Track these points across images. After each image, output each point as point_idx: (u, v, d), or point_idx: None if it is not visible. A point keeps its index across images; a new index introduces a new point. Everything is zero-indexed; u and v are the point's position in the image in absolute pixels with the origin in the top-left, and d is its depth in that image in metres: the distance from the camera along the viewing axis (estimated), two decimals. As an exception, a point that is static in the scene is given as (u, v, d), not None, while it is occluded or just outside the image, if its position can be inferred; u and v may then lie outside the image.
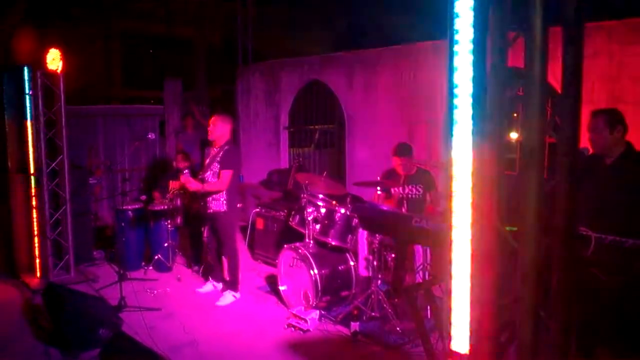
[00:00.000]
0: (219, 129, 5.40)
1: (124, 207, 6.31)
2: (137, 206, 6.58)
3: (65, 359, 4.26)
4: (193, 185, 5.33)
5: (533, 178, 2.06)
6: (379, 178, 5.42)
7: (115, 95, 14.79)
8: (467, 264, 2.19)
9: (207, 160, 5.49)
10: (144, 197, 7.07)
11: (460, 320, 2.23)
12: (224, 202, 5.34)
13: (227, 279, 5.58)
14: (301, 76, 9.05)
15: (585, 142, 3.51)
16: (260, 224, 6.82)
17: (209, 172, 5.38)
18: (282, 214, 6.47)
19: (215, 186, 5.29)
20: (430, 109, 6.92)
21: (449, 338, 2.28)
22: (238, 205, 5.74)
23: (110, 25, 14.10)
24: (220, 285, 5.72)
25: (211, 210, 5.38)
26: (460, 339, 2.24)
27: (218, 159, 5.35)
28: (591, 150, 3.61)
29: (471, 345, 2.22)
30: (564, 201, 2.14)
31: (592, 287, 3.42)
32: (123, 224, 6.18)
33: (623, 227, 3.05)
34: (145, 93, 13.99)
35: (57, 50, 5.92)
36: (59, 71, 5.99)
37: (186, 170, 5.45)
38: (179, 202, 6.16)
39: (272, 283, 5.87)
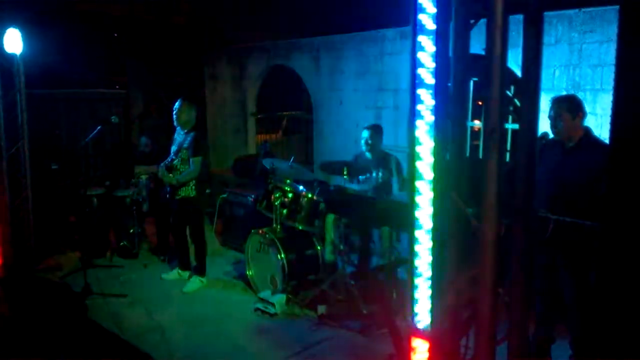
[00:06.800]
0: (185, 114, 5.34)
1: (87, 193, 6.18)
2: (101, 192, 6.46)
3: (26, 347, 4.18)
4: (168, 180, 5.30)
5: (493, 158, 2.11)
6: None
7: (77, 79, 14.34)
8: (429, 243, 2.24)
9: (174, 147, 5.43)
10: (108, 183, 6.93)
11: (422, 298, 2.29)
12: (193, 187, 5.31)
13: (194, 264, 5.56)
14: (268, 62, 8.99)
15: (545, 126, 3.59)
16: (227, 209, 6.78)
17: (177, 159, 5.32)
18: (250, 199, 6.45)
19: (189, 175, 5.25)
20: (396, 95, 6.98)
21: (412, 315, 2.33)
22: (206, 191, 5.69)
23: (72, 7, 13.62)
24: (186, 273, 5.68)
25: (179, 196, 5.33)
26: (423, 316, 2.29)
27: (185, 145, 5.29)
28: (552, 136, 3.70)
29: (433, 321, 2.28)
30: (523, 182, 2.21)
31: (551, 267, 3.55)
32: (87, 210, 6.06)
33: (581, 209, 3.15)
34: (108, 77, 13.62)
35: (16, 31, 5.72)
36: (18, 53, 5.80)
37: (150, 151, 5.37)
38: (144, 187, 6.07)
39: (239, 268, 5.86)
